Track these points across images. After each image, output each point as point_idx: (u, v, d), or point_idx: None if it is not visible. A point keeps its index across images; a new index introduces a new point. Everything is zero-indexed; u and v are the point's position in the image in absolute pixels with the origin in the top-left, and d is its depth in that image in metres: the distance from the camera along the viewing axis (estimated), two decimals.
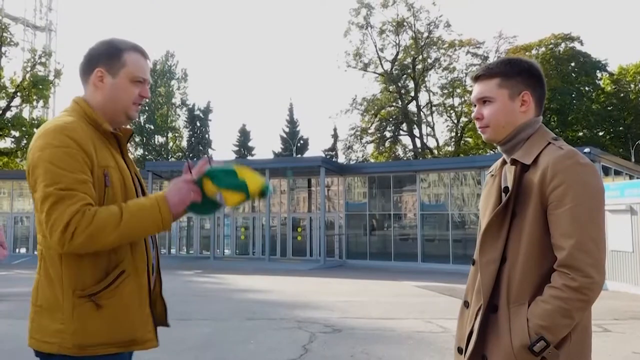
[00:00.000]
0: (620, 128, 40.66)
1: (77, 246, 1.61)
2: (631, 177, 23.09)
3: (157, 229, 1.73)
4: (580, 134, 39.42)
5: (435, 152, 42.58)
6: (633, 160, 33.46)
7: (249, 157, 48.11)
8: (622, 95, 40.50)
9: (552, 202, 1.62)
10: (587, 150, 19.17)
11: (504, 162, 1.86)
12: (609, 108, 40.16)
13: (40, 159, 1.66)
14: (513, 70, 1.80)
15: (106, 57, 1.85)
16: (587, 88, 40.01)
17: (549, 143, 1.72)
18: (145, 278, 1.83)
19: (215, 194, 1.81)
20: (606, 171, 21.26)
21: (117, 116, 1.89)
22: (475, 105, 1.88)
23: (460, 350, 1.83)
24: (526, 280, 1.64)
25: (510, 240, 1.68)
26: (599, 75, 41.07)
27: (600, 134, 40.59)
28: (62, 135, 1.68)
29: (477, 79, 1.87)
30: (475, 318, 1.75)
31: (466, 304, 1.87)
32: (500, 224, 1.71)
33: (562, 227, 1.59)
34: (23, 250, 27.64)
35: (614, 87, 40.88)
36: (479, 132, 1.90)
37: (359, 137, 43.84)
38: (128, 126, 2.01)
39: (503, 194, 1.76)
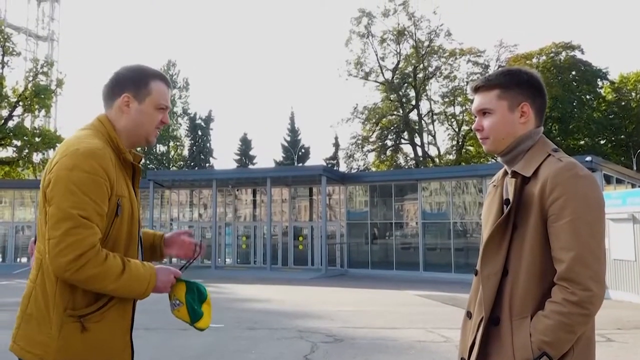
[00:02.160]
0: (622, 136, 40.67)
1: (80, 279, 1.64)
2: (633, 186, 23.05)
3: (136, 297, 1.81)
4: (582, 142, 39.41)
5: (437, 160, 42.59)
6: (635, 168, 33.40)
7: (250, 166, 48.19)
8: (623, 103, 40.54)
9: (552, 214, 1.61)
10: (588, 158, 19.14)
11: (506, 173, 1.86)
12: (610, 116, 40.18)
13: (67, 179, 1.67)
14: (512, 82, 1.79)
15: (134, 83, 1.92)
16: (588, 96, 40.05)
17: (549, 155, 1.72)
18: (131, 305, 1.86)
19: (176, 298, 1.92)
20: (608, 180, 21.23)
21: (139, 140, 1.97)
22: (475, 116, 1.88)
23: None
24: (528, 294, 1.64)
25: (512, 252, 1.68)
26: (599, 83, 41.12)
27: (602, 142, 40.59)
28: (93, 161, 1.71)
29: (476, 90, 1.86)
30: (478, 329, 1.74)
31: (469, 315, 1.86)
32: (501, 237, 1.70)
33: (562, 240, 1.58)
34: (24, 260, 27.60)
35: (615, 95, 40.93)
36: (480, 143, 1.91)
37: (360, 146, 43.90)
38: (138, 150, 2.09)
39: (504, 206, 1.76)
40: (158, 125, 1.98)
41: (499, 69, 1.99)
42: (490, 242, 1.72)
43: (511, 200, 1.69)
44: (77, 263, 1.61)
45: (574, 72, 39.16)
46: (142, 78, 1.94)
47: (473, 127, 1.90)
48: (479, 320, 1.75)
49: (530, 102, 1.79)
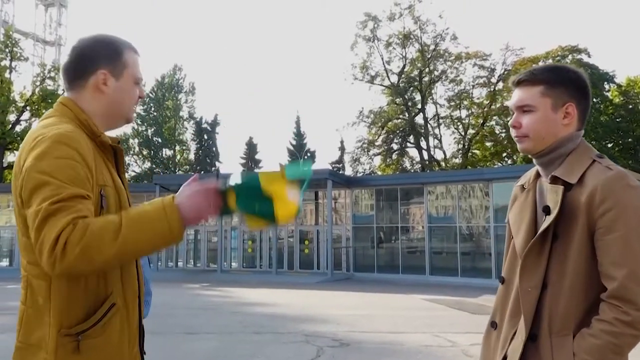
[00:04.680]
0: (629, 140, 40.43)
1: (71, 264, 1.31)
2: None
3: (165, 242, 1.43)
4: None
5: (443, 164, 42.50)
6: None
7: (256, 170, 48.23)
8: (630, 106, 40.34)
9: (601, 227, 1.50)
10: None
11: (538, 175, 1.76)
12: (617, 120, 39.97)
13: (35, 170, 1.40)
14: (559, 79, 1.68)
15: (108, 57, 1.65)
16: (595, 100, 39.85)
17: (594, 161, 1.61)
18: (136, 310, 1.62)
19: (235, 209, 1.49)
20: None
21: (118, 121, 1.71)
22: (513, 112, 1.76)
23: None
24: (571, 310, 1.55)
25: (552, 265, 1.58)
26: (606, 87, 40.96)
27: (609, 145, 40.35)
28: (63, 145, 1.43)
29: (518, 84, 1.74)
30: (509, 343, 1.67)
31: (494, 325, 1.78)
32: (541, 247, 1.60)
33: (613, 255, 1.48)
34: None
35: (622, 98, 40.73)
36: (515, 141, 1.77)
37: (366, 150, 43.84)
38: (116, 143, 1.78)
39: (543, 214, 1.64)
40: (136, 101, 1.73)
41: (544, 64, 1.85)
42: (530, 254, 1.61)
43: (556, 209, 1.57)
44: (56, 250, 1.30)
45: None
46: (116, 49, 1.66)
47: (510, 123, 1.77)
48: (511, 334, 1.67)
49: (576, 103, 1.68)
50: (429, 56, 41.12)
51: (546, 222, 1.58)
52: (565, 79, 1.68)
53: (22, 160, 1.48)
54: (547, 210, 1.60)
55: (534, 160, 1.75)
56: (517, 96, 1.73)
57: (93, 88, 1.63)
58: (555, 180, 1.62)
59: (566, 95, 1.67)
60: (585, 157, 1.63)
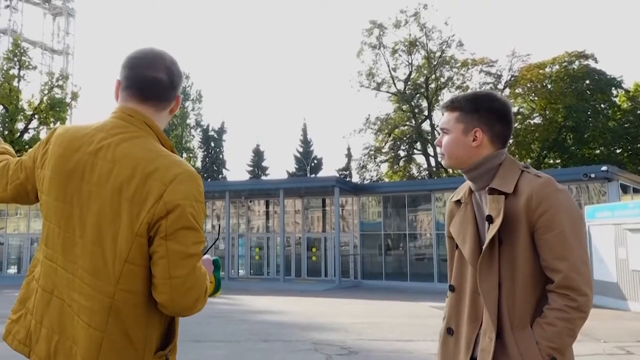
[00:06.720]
0: (638, 145, 40.16)
1: (199, 309, 1.49)
2: None
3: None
4: (597, 151, 39.00)
5: (450, 170, 42.40)
6: None
7: (263, 177, 48.28)
8: (638, 112, 40.10)
9: (540, 227, 1.71)
10: (604, 168, 18.90)
11: (472, 190, 1.94)
12: (625, 125, 39.72)
13: (198, 209, 1.45)
14: (472, 108, 1.89)
15: (181, 82, 1.70)
16: (602, 105, 39.65)
17: (522, 171, 1.82)
18: None
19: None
20: (625, 189, 20.95)
21: None
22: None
23: None
24: (526, 304, 1.73)
25: (502, 267, 1.76)
26: (614, 92, 40.72)
27: (618, 151, 40.12)
28: (201, 186, 1.52)
29: (444, 108, 1.98)
30: (474, 346, 1.81)
31: (450, 331, 1.94)
32: (491, 253, 1.77)
33: (555, 250, 1.68)
34: None
35: (630, 104, 40.49)
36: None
37: (372, 157, 43.81)
38: None
39: (484, 224, 1.83)
40: None
41: (468, 92, 2.06)
42: (484, 259, 1.78)
43: (500, 216, 1.74)
44: (206, 297, 1.49)
45: (587, 81, 38.81)
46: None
47: (435, 141, 2.02)
48: (474, 337, 1.82)
49: (486, 128, 1.87)
50: (435, 63, 41.12)
51: (492, 229, 1.75)
52: (479, 107, 1.89)
53: (169, 189, 1.43)
54: (490, 219, 1.78)
55: (464, 176, 1.95)
56: (442, 119, 1.99)
57: (169, 111, 1.66)
58: (492, 191, 1.81)
59: (476, 121, 1.88)
60: (514, 169, 1.83)
